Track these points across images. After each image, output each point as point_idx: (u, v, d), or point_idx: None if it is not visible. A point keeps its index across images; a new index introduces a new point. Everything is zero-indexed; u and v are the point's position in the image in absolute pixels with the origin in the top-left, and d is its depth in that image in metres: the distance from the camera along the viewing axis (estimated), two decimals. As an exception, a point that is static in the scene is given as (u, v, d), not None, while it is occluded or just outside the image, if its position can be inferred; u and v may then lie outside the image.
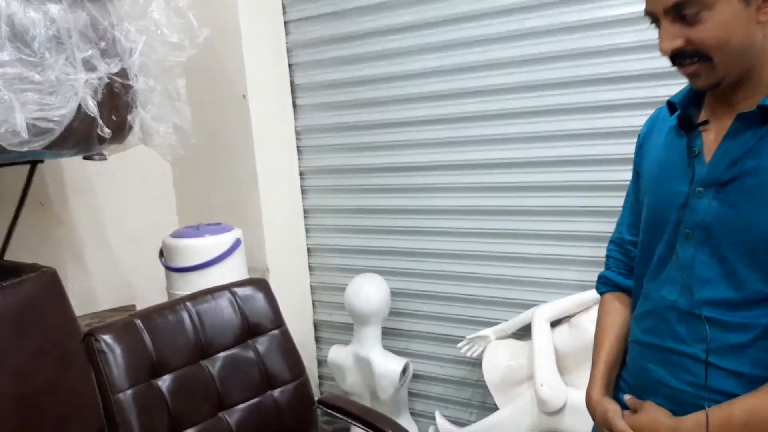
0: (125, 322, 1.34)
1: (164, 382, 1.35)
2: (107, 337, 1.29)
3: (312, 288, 2.72)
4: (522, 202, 2.18)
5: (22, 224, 2.06)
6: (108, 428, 1.24)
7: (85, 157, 1.69)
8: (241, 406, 1.45)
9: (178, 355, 1.39)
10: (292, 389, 1.52)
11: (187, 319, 1.43)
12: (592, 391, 1.07)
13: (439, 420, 2.33)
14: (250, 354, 1.50)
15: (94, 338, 1.27)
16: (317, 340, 2.76)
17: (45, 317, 1.67)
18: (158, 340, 1.36)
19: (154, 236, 2.22)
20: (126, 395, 1.26)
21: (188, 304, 1.46)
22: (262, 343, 1.52)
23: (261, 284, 1.58)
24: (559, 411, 1.89)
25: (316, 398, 1.57)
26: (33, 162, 1.83)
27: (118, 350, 1.28)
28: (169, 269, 2.05)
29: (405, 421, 2.41)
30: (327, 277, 2.67)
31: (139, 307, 2.33)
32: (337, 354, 2.39)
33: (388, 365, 2.25)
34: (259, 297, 1.56)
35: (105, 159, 1.70)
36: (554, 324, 2.05)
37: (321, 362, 2.76)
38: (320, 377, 2.79)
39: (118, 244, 2.46)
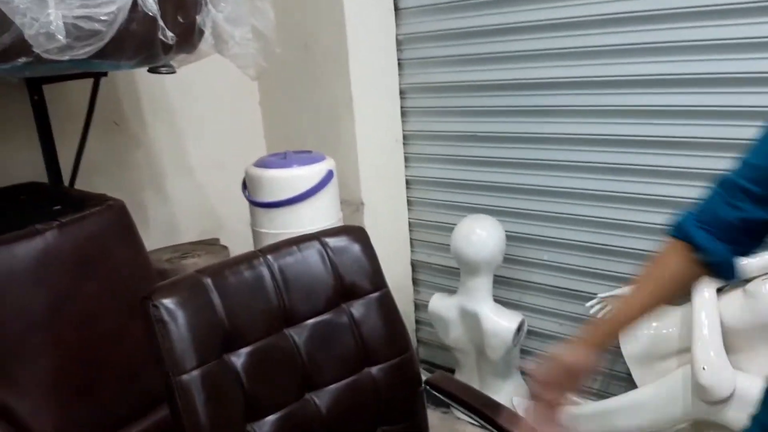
0: (191, 282, 1.07)
1: (239, 358, 1.08)
2: (168, 302, 1.02)
3: (410, 225, 2.40)
4: (683, 132, 1.70)
5: (96, 146, 1.85)
6: (171, 415, 1.00)
7: (150, 70, 1.39)
8: (332, 386, 1.17)
9: (257, 323, 1.11)
10: (394, 367, 1.22)
11: (267, 277, 1.14)
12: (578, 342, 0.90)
13: (557, 387, 1.99)
14: (344, 321, 1.20)
15: (152, 303, 1.01)
16: (414, 282, 2.47)
17: (111, 257, 1.46)
18: (232, 303, 1.09)
19: (239, 162, 1.95)
20: (191, 376, 1.00)
21: (269, 257, 1.16)
22: (357, 309, 1.22)
23: (358, 234, 1.26)
24: (724, 400, 1.49)
25: (423, 378, 1.27)
26: (95, 75, 1.57)
27: (181, 318, 1.02)
28: (253, 203, 1.77)
29: (514, 381, 2.11)
30: (428, 214, 2.34)
31: (223, 241, 2.11)
32: (440, 304, 2.08)
33: (500, 323, 1.92)
34: (356, 250, 1.24)
35: (174, 72, 1.40)
36: (720, 290, 1.62)
37: (418, 306, 2.48)
38: (417, 322, 2.52)
39: (201, 170, 2.22)
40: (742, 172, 0.83)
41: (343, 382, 1.18)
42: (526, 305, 2.14)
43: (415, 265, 2.45)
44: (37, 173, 1.77)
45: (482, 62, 2.02)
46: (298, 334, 1.16)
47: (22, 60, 1.01)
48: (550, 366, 0.92)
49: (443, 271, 2.35)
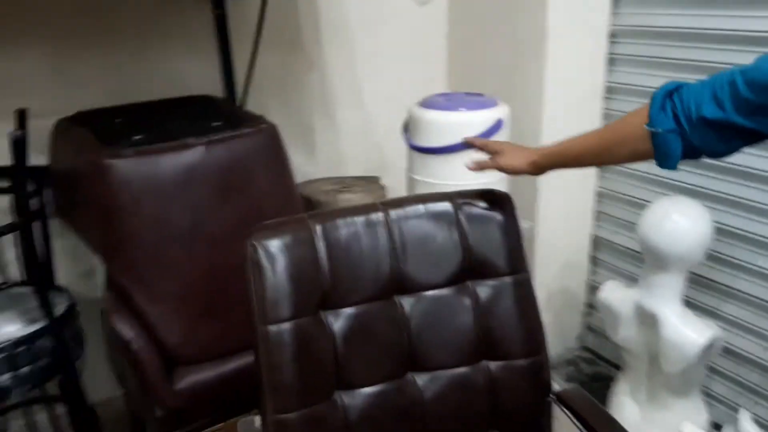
0: (299, 226, 0.96)
1: (337, 319, 0.96)
2: (270, 245, 0.92)
3: (597, 195, 2.06)
4: None
5: (272, 67, 1.85)
6: (253, 367, 0.92)
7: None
8: (440, 372, 1.01)
9: (363, 284, 0.98)
10: (519, 368, 1.01)
11: (384, 235, 0.99)
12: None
13: (745, 423, 1.60)
14: (466, 302, 1.02)
15: (250, 243, 0.92)
16: (592, 261, 2.15)
17: (255, 181, 1.42)
18: (339, 257, 0.96)
19: (415, 99, 1.79)
20: (280, 329, 0.90)
21: (391, 213, 1.01)
22: (485, 290, 1.02)
23: (503, 201, 1.04)
24: None
25: (551, 389, 1.04)
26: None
27: (280, 265, 0.92)
28: (411, 146, 1.62)
29: (691, 403, 1.74)
30: (620, 185, 1.98)
31: (385, 180, 2.01)
32: (614, 295, 1.77)
33: (685, 333, 1.56)
34: (495, 220, 1.03)
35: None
36: None
37: (593, 288, 2.17)
38: (588, 306, 2.22)
39: (375, 101, 2.12)
40: (746, 70, 0.75)
41: (454, 370, 1.01)
42: (725, 316, 1.73)
43: (596, 242, 2.13)
44: (217, 88, 1.80)
45: (714, 5, 1.57)
46: (409, 305, 1.00)
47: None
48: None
49: (629, 254, 2.00)
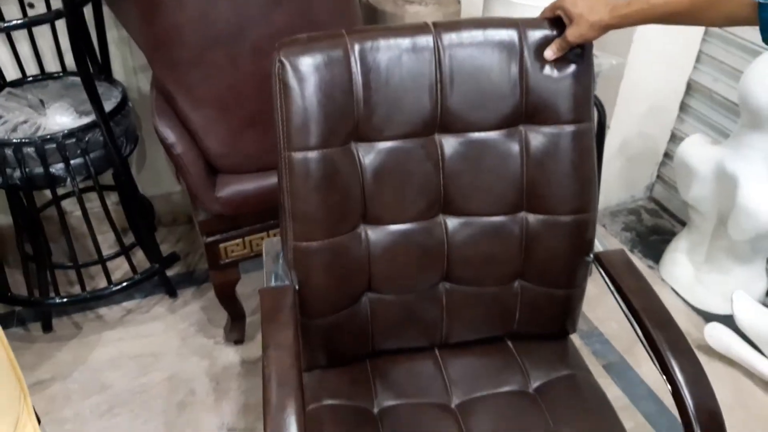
0: (334, 44, 0.85)
1: (369, 152, 0.89)
2: (302, 63, 0.83)
3: (706, 34, 1.77)
4: None
5: None
6: (278, 194, 0.88)
7: None
8: (474, 218, 0.94)
9: (402, 118, 0.88)
10: (561, 224, 0.93)
11: (431, 65, 0.87)
12: None
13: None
14: (515, 148, 0.91)
15: (278, 59, 0.83)
16: (682, 107, 1.93)
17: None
18: (377, 85, 0.86)
19: None
20: (306, 157, 0.84)
21: (444, 38, 0.87)
22: (538, 138, 0.91)
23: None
24: None
25: (593, 249, 0.97)
26: None
27: (311, 87, 0.83)
28: (492, -46, 1.39)
29: (753, 270, 1.65)
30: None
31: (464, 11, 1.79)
32: (695, 150, 1.60)
33: (764, 202, 1.41)
34: (567, 60, 0.88)
35: None
36: None
37: (675, 137, 1.98)
38: (665, 155, 2.04)
39: None
40: None
41: (490, 218, 0.94)
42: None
43: (691, 87, 1.88)
44: None
45: None
46: (450, 146, 0.91)
47: None
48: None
49: (727, 106, 1.77)
